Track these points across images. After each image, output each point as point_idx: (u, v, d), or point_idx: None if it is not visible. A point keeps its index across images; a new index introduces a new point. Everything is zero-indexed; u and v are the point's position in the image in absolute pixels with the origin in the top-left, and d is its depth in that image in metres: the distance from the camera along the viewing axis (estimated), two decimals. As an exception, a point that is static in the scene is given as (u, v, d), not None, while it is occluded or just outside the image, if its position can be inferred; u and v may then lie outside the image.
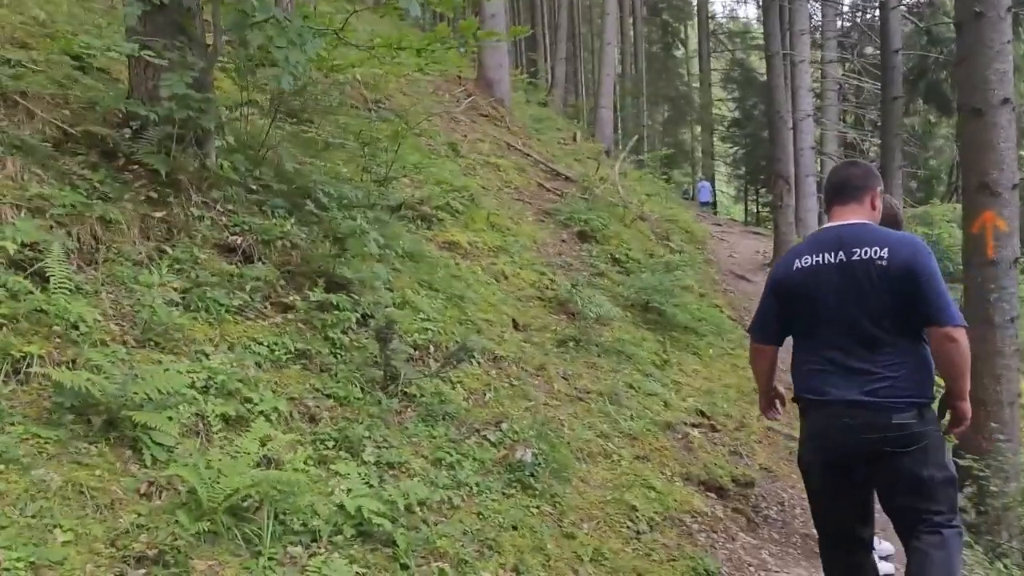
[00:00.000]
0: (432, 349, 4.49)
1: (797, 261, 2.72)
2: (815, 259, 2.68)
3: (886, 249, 2.59)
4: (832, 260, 2.64)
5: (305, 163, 5.82)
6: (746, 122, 34.41)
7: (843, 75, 23.09)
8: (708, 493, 4.41)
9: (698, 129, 32.44)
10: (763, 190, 37.69)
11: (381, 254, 5.07)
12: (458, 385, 4.36)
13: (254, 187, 4.76)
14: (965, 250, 5.41)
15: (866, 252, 2.60)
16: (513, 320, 5.76)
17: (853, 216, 2.77)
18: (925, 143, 19.14)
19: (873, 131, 23.07)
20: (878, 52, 24.43)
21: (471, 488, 3.50)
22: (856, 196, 2.81)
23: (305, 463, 3.21)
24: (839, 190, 2.84)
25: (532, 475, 3.72)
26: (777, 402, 3.16)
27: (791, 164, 13.51)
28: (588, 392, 4.95)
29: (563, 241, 8.63)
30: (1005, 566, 4.53)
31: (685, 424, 5.06)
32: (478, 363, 4.71)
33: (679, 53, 33.78)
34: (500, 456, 3.83)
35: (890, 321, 2.58)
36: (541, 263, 7.54)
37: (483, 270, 6.68)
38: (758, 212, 37.05)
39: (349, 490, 3.07)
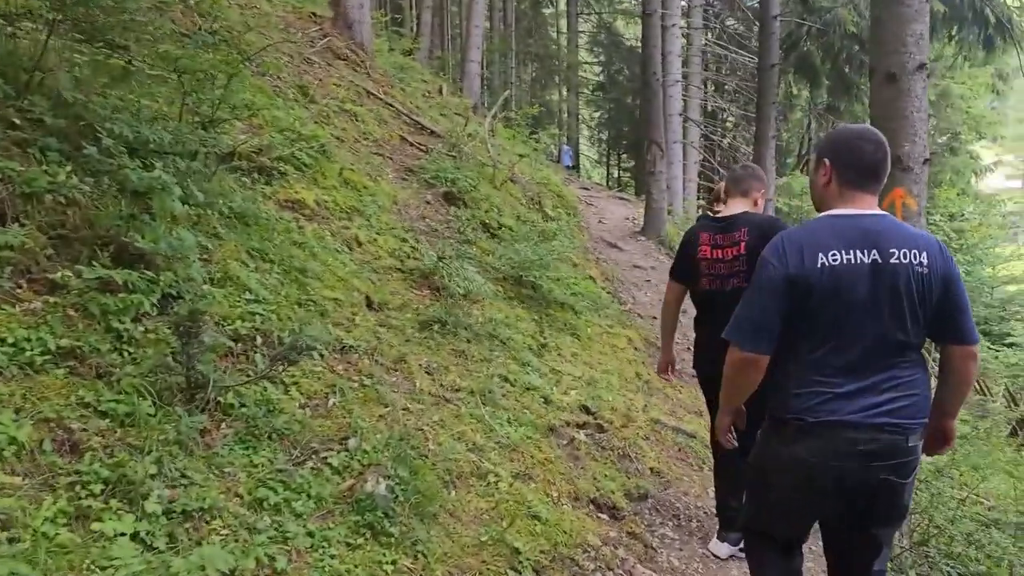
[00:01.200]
0: (259, 341, 3.50)
1: (822, 256, 2.27)
2: (845, 256, 2.26)
3: (925, 254, 2.29)
4: (865, 260, 2.27)
5: (108, 96, 4.59)
6: (611, 87, 34.43)
7: (706, 43, 23.14)
8: (600, 514, 3.70)
9: (565, 90, 31.98)
10: (625, 155, 38.03)
11: (198, 214, 3.99)
12: (292, 388, 3.41)
13: (17, 121, 3.56)
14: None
15: (905, 255, 2.27)
16: (367, 298, 4.82)
17: (873, 205, 2.40)
18: (785, 114, 19.39)
19: (734, 99, 23.35)
20: (740, 25, 24.70)
21: (303, 540, 2.59)
22: (879, 179, 2.42)
23: (54, 522, 2.20)
24: (874, 176, 2.39)
25: (387, 515, 2.84)
26: (735, 425, 2.73)
27: (662, 129, 13.10)
28: (457, 390, 4.11)
29: (427, 203, 7.70)
30: (911, 580, 4.10)
31: (569, 425, 4.33)
32: (320, 356, 3.75)
33: (548, 11, 33.07)
34: (345, 488, 2.92)
35: (915, 333, 2.29)
36: (402, 228, 6.60)
37: (333, 235, 5.66)
38: (619, 177, 37.35)
39: (112, 567, 2.10)
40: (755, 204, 3.74)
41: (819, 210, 2.48)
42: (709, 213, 4.21)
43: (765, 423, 2.46)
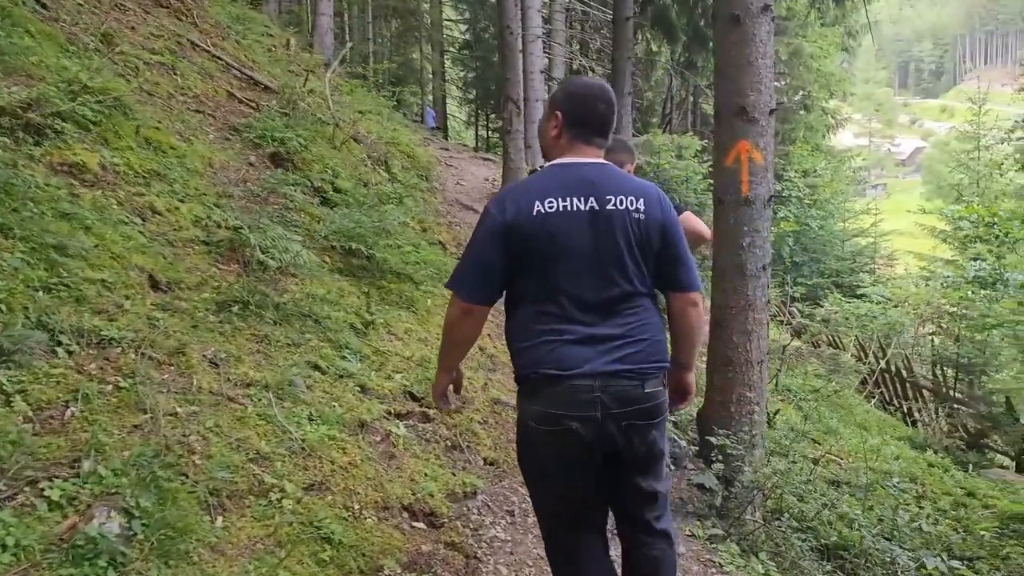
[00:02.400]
0: (-29, 339, 2.77)
1: (538, 204, 2.25)
2: (562, 203, 2.25)
3: (642, 200, 2.32)
4: (582, 207, 2.27)
5: None
6: (477, 45, 33.67)
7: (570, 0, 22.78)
8: (415, 523, 3.20)
9: (428, 48, 30.99)
10: (493, 115, 37.45)
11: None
12: (16, 397, 2.70)
13: None
14: (718, 186, 4.60)
15: (622, 202, 2.29)
16: (151, 277, 4.09)
17: (595, 156, 2.42)
18: (647, 72, 19.32)
19: (599, 58, 23.16)
20: (603, -21, 24.43)
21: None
22: (605, 134, 2.44)
23: None
24: (591, 123, 2.41)
25: (114, 561, 2.23)
26: (451, 388, 2.67)
27: (520, 86, 12.61)
28: (248, 385, 3.48)
29: (250, 165, 6.91)
30: (761, 561, 3.84)
31: (387, 418, 3.79)
32: (68, 353, 3.05)
33: (408, -35, 31.78)
34: (64, 530, 2.28)
35: (640, 279, 2.32)
36: (215, 194, 5.83)
37: (121, 204, 4.86)
38: (488, 137, 36.81)
39: None
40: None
41: (547, 159, 2.48)
42: None
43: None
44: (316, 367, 3.93)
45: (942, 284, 17.57)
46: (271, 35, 16.20)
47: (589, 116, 2.39)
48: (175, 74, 8.28)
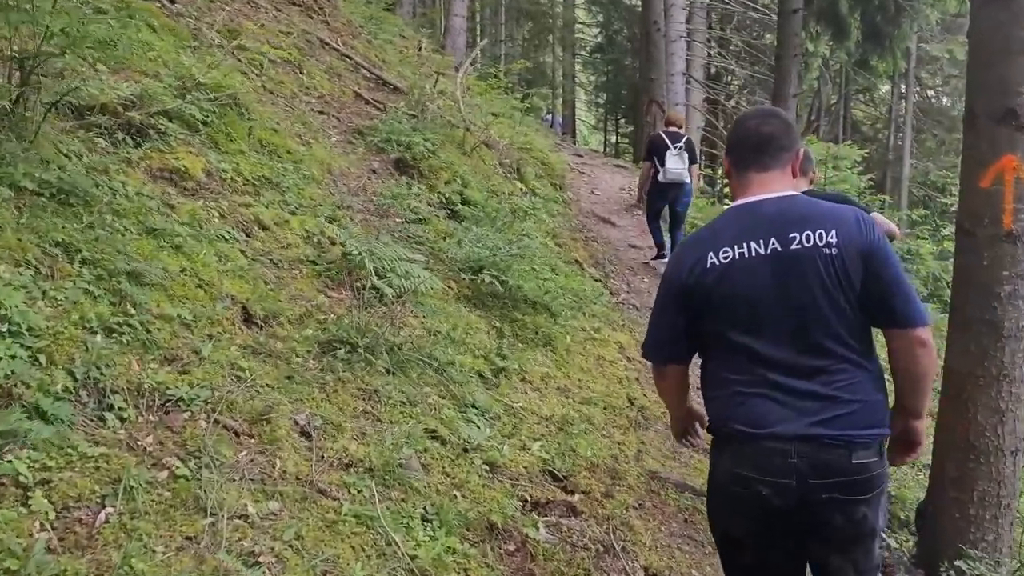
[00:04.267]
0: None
1: (712, 256, 2.01)
2: (738, 251, 1.99)
3: (834, 231, 1.95)
4: (762, 251, 1.97)
5: None
6: (609, 48, 32.69)
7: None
8: None
9: (560, 50, 30.22)
10: (623, 120, 36.34)
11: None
12: (38, 491, 1.99)
13: None
14: (964, 213, 3.47)
15: (809, 237, 1.95)
16: (244, 309, 3.39)
17: (777, 186, 2.07)
18: (800, 75, 17.76)
19: (741, 59, 21.69)
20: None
21: None
22: (781, 159, 2.10)
23: None
24: (758, 150, 2.10)
25: None
26: (696, 424, 2.43)
27: (664, 87, 11.58)
28: (347, 465, 2.67)
29: (373, 172, 6.23)
30: None
31: (523, 512, 2.91)
32: (119, 421, 2.33)
33: (543, -34, 31.16)
34: None
35: (846, 326, 1.96)
36: (331, 205, 5.15)
37: (223, 216, 4.22)
38: (617, 143, 35.69)
39: None
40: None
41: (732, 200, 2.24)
42: None
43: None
44: (435, 435, 3.09)
45: None
46: (404, 37, 15.80)
47: (748, 140, 2.13)
48: (301, 72, 7.75)
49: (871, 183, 19.77)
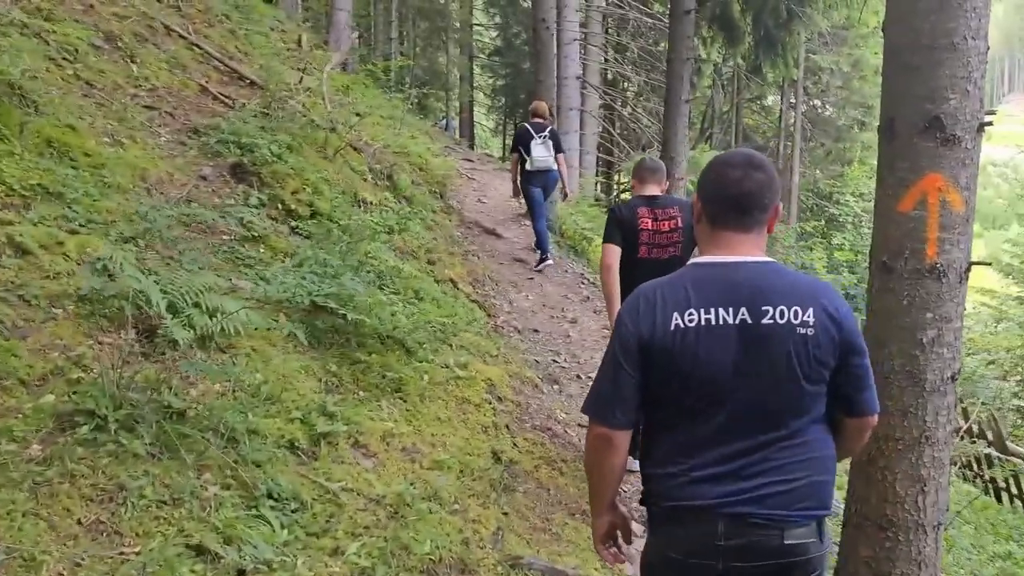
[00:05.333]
0: None
1: (677, 316, 1.83)
2: (704, 316, 1.82)
3: (811, 310, 1.82)
4: (730, 320, 1.81)
5: None
6: (508, 51, 32.16)
7: (608, 2, 21.11)
8: None
9: (456, 51, 29.44)
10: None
11: None
12: None
13: None
14: (880, 244, 2.86)
15: (783, 313, 1.81)
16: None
17: (754, 249, 1.90)
18: (693, 82, 17.56)
19: (638, 64, 21.45)
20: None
21: None
22: (761, 220, 1.92)
23: None
24: (739, 208, 1.89)
25: None
26: (619, 533, 2.12)
27: (554, 92, 10.95)
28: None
29: (203, 179, 5.27)
30: None
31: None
32: None
33: (438, -36, 30.31)
34: None
35: (807, 406, 1.85)
36: (133, 221, 4.18)
37: (-40, 238, 3.23)
38: (516, 148, 35.12)
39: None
40: (663, 191, 4.43)
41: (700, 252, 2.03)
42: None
43: None
44: (199, 552, 2.24)
45: (1020, 326, 15.63)
46: (283, 30, 14.70)
47: (728, 194, 1.89)
48: (132, 61, 6.69)
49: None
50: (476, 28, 31.31)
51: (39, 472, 2.26)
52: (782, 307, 1.80)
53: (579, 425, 5.24)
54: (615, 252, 4.15)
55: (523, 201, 8.97)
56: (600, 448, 1.94)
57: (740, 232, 1.88)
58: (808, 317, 1.80)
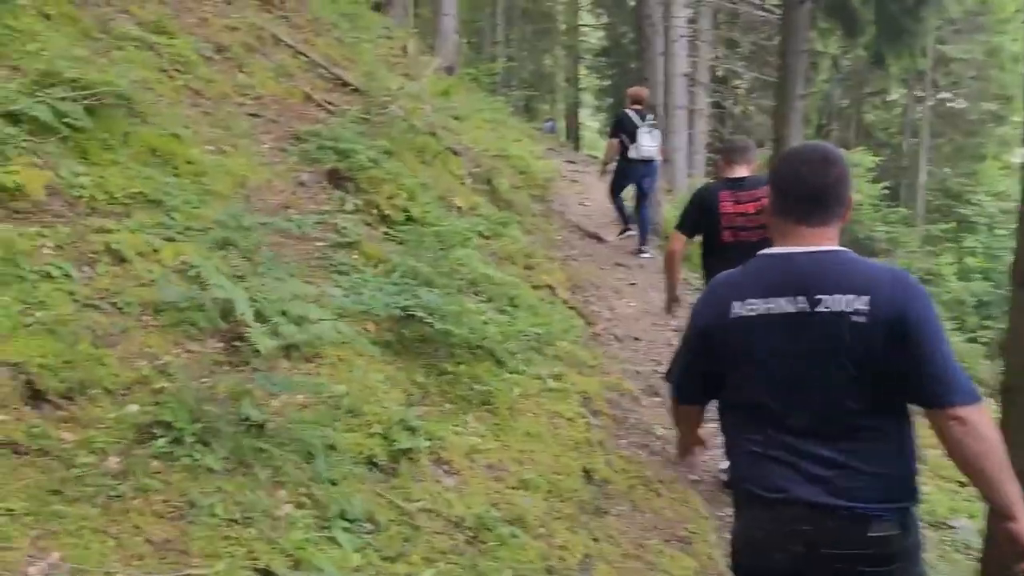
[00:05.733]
0: None
1: (736, 305, 1.90)
2: (764, 305, 1.87)
3: (866, 298, 1.79)
4: (789, 308, 1.84)
5: None
6: (615, 51, 31.83)
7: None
8: None
9: (562, 54, 29.31)
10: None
11: None
12: None
13: None
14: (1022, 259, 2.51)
15: (838, 302, 1.80)
16: (29, 382, 2.47)
17: (823, 240, 1.88)
18: (809, 77, 16.77)
19: (751, 61, 20.72)
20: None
21: None
22: (835, 215, 1.90)
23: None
24: (812, 203, 1.89)
25: None
26: (697, 448, 2.39)
27: (660, 90, 10.64)
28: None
29: (301, 185, 5.31)
30: None
31: None
32: None
33: (545, -34, 30.27)
34: None
35: (868, 396, 1.82)
36: (228, 228, 4.22)
37: (60, 247, 3.31)
38: (623, 149, 34.68)
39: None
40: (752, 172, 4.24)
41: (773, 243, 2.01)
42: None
43: None
44: (265, 574, 2.16)
45: None
46: (389, 37, 14.94)
47: (795, 186, 1.90)
48: (240, 71, 6.86)
49: (885, 190, 18.79)
50: (583, 29, 31.09)
51: (113, 486, 2.23)
52: (838, 295, 1.80)
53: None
54: (679, 239, 4.36)
55: (608, 179, 9.09)
56: (676, 416, 2.30)
57: (813, 226, 1.88)
58: (863, 304, 1.78)
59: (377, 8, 18.03)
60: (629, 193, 9.10)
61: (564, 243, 8.27)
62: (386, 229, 5.22)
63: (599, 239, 9.20)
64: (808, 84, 16.48)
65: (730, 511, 2.57)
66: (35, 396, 2.48)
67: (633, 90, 8.94)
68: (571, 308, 6.38)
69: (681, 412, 2.23)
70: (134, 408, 2.63)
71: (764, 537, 1.91)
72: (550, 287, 6.46)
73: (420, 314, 3.90)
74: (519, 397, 4.07)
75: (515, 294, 5.26)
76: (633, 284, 8.10)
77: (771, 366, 1.88)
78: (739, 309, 1.89)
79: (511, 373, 4.24)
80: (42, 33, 4.91)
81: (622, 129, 8.49)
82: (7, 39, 4.58)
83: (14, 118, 3.73)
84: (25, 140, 3.67)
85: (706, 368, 2.01)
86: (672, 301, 4.68)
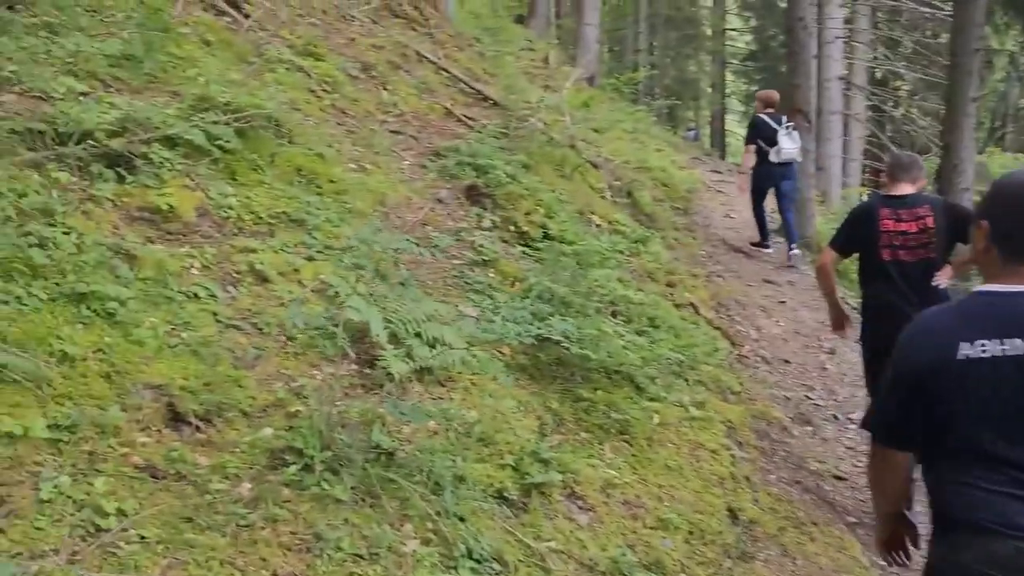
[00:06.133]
0: None
1: (963, 347, 1.78)
2: (993, 347, 1.76)
3: None
4: (1020, 353, 1.73)
5: None
6: (763, 55, 30.69)
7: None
8: None
9: (707, 59, 28.53)
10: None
11: None
12: None
13: None
14: None
15: None
16: (170, 405, 2.51)
17: None
18: (982, 76, 15.44)
19: (911, 63, 19.35)
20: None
21: None
22: None
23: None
24: None
25: None
26: (907, 539, 2.13)
27: (813, 94, 10.05)
28: None
29: (439, 202, 5.31)
30: None
31: None
32: None
33: (689, -29, 29.62)
34: None
35: None
36: (368, 247, 4.23)
37: (206, 267, 3.41)
38: (771, 156, 33.35)
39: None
40: (918, 190, 4.11)
41: (985, 279, 1.91)
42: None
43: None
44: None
45: None
46: (531, 49, 14.99)
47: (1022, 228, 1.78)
48: (384, 89, 7.00)
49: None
50: (729, 33, 30.17)
51: (244, 515, 2.21)
52: None
53: (835, 477, 4.59)
54: (830, 254, 4.29)
55: (750, 195, 8.78)
56: (878, 465, 2.04)
57: None
58: None
59: (520, 20, 18.21)
60: (772, 204, 8.71)
61: (708, 258, 7.92)
62: (523, 246, 5.13)
63: (745, 254, 8.77)
64: (981, 85, 15.18)
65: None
66: (175, 418, 2.52)
67: (764, 94, 8.71)
68: (715, 328, 6.06)
69: (890, 463, 2.02)
70: (268, 432, 2.63)
71: (996, 573, 1.77)
72: (693, 306, 6.17)
73: (556, 337, 3.76)
74: (659, 426, 3.85)
75: (656, 314, 5.03)
76: (782, 302, 7.65)
77: (1002, 406, 1.79)
78: (968, 350, 1.78)
79: (650, 400, 4.02)
80: (201, 59, 5.16)
81: (759, 135, 8.29)
82: (169, 66, 4.83)
83: (171, 141, 3.89)
84: (180, 163, 3.83)
85: (922, 409, 1.88)
86: (839, 318, 4.53)
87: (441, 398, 3.29)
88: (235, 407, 2.68)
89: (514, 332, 3.84)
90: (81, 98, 3.92)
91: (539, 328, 3.66)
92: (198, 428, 2.54)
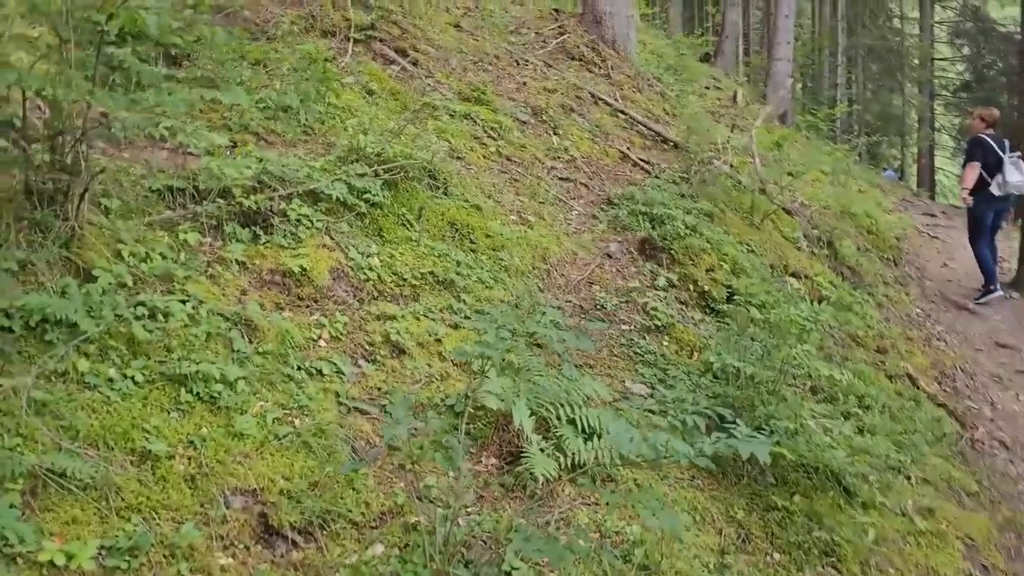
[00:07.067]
0: None
1: None
2: None
3: None
4: None
5: None
6: (979, 85, 27.82)
7: None
8: None
9: (914, 91, 26.21)
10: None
11: None
12: None
13: None
14: None
15: None
16: (263, 515, 2.09)
17: None
18: None
19: None
20: None
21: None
22: None
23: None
24: None
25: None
26: None
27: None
28: None
29: (608, 257, 4.74)
30: None
31: None
32: None
33: (892, -2, 27.50)
34: None
35: None
36: (521, 311, 3.74)
37: (336, 338, 3.03)
38: (990, 195, 30.04)
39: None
40: None
41: None
42: None
43: None
44: None
45: None
46: (718, 88, 14.22)
47: None
48: (554, 133, 6.58)
49: None
50: (938, 64, 27.62)
51: None
52: None
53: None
54: None
55: (969, 233, 7.66)
56: None
57: None
58: None
59: (706, 59, 17.42)
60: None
61: (925, 317, 6.78)
62: (704, 309, 4.44)
63: (969, 311, 7.48)
64: None
65: None
66: (268, 531, 2.09)
67: (986, 111, 7.48)
68: (938, 405, 5.02)
69: None
70: (379, 550, 2.16)
71: None
72: (910, 377, 5.18)
73: (743, 428, 3.05)
74: (875, 544, 3.03)
75: (865, 392, 4.17)
76: (1021, 372, 6.36)
77: None
78: None
79: (864, 508, 3.21)
80: (360, 109, 4.95)
81: (985, 159, 7.11)
82: (326, 116, 4.64)
83: (313, 196, 3.62)
84: (320, 219, 3.52)
85: None
86: None
87: (596, 504, 2.69)
88: (343, 516, 2.23)
89: (691, 414, 3.18)
90: (227, 153, 3.74)
91: (714, 442, 2.97)
92: (295, 543, 2.10)
